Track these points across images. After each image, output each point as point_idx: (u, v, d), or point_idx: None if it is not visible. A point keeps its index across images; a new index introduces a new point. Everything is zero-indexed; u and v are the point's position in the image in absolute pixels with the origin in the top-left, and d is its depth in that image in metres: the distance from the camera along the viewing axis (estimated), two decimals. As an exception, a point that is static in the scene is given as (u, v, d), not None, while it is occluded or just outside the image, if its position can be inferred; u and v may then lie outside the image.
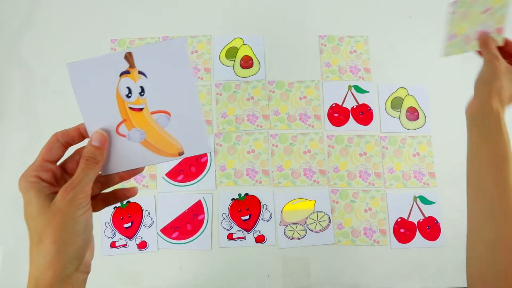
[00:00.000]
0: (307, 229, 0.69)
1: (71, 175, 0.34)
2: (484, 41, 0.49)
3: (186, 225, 0.68)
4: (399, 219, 0.70)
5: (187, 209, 0.69)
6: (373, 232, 0.69)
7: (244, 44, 0.77)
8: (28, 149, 0.71)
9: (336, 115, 0.74)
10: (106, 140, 0.33)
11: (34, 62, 0.76)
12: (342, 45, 0.78)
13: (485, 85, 0.46)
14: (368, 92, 0.75)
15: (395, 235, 0.69)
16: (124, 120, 0.33)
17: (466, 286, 0.35)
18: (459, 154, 0.72)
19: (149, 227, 0.68)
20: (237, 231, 0.68)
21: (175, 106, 0.33)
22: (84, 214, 0.30)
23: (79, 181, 0.30)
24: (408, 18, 0.80)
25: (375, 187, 0.71)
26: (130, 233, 0.68)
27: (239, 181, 0.70)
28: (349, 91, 0.75)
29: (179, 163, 0.71)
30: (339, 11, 0.80)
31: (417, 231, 0.69)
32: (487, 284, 0.36)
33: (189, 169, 0.71)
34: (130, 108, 0.33)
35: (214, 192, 0.70)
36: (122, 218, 0.69)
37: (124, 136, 0.34)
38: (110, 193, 0.36)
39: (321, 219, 0.69)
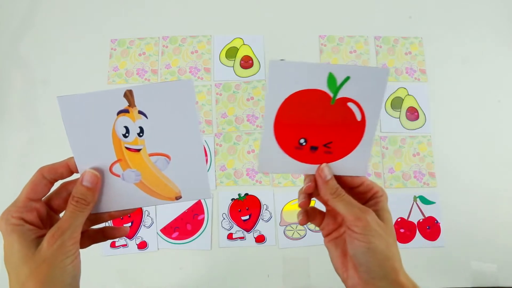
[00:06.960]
0: (307, 229, 0.69)
1: (57, 212, 0.32)
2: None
3: (186, 225, 0.68)
4: (399, 219, 0.70)
5: (187, 209, 0.69)
6: (373, 232, 0.69)
7: (244, 44, 0.77)
8: (28, 149, 0.71)
9: (336, 115, 0.74)
10: (99, 180, 0.31)
11: (34, 62, 0.76)
12: (342, 45, 0.78)
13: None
14: (368, 92, 0.75)
15: (395, 235, 0.69)
16: (119, 160, 0.32)
17: (466, 286, 0.35)
18: (459, 154, 0.73)
19: (149, 227, 0.68)
20: (237, 231, 0.68)
21: (176, 150, 0.32)
22: (72, 262, 0.28)
23: (68, 226, 0.28)
24: (408, 18, 0.80)
25: (375, 187, 0.71)
26: (130, 233, 0.68)
27: (239, 181, 0.70)
28: (349, 91, 0.75)
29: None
30: (339, 11, 0.80)
31: (417, 231, 0.69)
32: None
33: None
34: (127, 148, 0.32)
35: (214, 192, 0.70)
36: (122, 218, 0.69)
37: (118, 175, 0.32)
38: (99, 230, 0.34)
39: (321, 219, 0.69)
